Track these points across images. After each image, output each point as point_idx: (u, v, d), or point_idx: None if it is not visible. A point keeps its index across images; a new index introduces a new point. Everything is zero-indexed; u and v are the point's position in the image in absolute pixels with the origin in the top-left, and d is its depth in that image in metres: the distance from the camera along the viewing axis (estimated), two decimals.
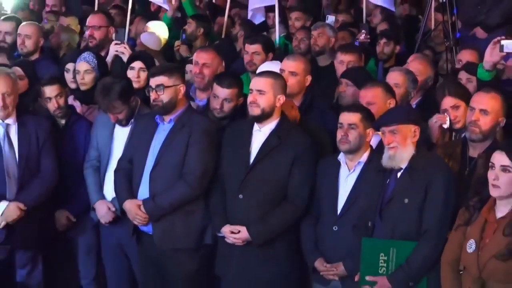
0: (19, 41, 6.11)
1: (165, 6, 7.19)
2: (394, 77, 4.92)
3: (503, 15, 6.14)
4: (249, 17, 7.44)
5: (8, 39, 6.32)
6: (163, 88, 4.51)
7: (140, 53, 5.68)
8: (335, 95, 5.32)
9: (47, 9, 7.94)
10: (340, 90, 5.12)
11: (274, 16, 7.05)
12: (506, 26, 6.01)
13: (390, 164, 3.99)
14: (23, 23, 6.32)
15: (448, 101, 4.50)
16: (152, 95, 4.54)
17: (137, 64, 5.29)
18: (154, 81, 4.56)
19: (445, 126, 4.43)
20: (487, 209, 3.67)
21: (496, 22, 6.06)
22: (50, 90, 4.99)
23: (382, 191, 4.03)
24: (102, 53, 5.88)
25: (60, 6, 8.00)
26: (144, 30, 6.74)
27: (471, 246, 3.65)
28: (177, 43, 6.85)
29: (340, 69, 5.42)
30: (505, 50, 4.37)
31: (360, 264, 4.03)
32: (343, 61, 5.49)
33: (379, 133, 4.19)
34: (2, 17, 6.77)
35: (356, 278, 4.05)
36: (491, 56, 4.47)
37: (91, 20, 6.28)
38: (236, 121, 4.69)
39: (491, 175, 3.60)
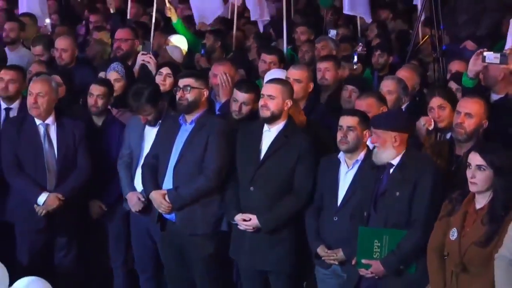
0: (56, 55, 6.11)
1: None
2: (388, 85, 4.92)
3: (489, 28, 6.16)
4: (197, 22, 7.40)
5: (42, 59, 6.25)
6: (190, 88, 4.53)
7: (169, 62, 5.73)
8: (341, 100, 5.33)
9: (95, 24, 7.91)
10: (345, 96, 5.12)
11: (282, 30, 7.10)
12: (491, 39, 6.02)
13: (374, 159, 4.01)
14: (59, 37, 6.32)
15: (435, 101, 4.48)
16: (179, 94, 4.55)
17: (165, 70, 5.35)
18: (182, 82, 4.58)
19: (430, 128, 4.46)
20: (467, 202, 3.68)
21: (484, 34, 6.05)
22: (96, 89, 5.00)
23: (376, 185, 4.02)
24: (129, 62, 5.91)
25: (101, 22, 8.01)
26: (165, 43, 6.78)
27: (453, 234, 3.65)
28: (197, 56, 6.85)
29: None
30: (487, 60, 4.37)
31: (356, 250, 4.02)
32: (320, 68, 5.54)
33: None
34: (33, 38, 6.73)
35: (353, 262, 4.05)
36: (474, 65, 4.48)
37: (119, 34, 6.31)
38: (248, 122, 4.68)
39: (468, 173, 3.61)
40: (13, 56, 6.57)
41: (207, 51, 6.75)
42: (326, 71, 5.51)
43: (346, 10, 7.46)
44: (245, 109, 4.73)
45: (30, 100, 4.76)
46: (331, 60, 5.63)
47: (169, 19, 7.31)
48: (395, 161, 4.01)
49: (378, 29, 7.40)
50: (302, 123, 4.66)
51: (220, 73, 5.19)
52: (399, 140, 3.99)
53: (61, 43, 6.15)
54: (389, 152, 3.99)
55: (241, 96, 4.73)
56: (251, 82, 5.13)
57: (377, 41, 6.87)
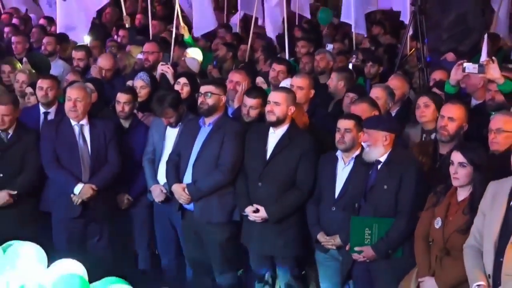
0: (99, 73, 6.02)
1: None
2: (376, 92, 4.90)
3: (472, 45, 6.18)
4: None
5: (81, 64, 6.32)
6: (210, 94, 4.55)
7: (186, 72, 5.73)
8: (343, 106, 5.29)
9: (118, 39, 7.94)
10: (347, 102, 5.07)
11: (284, 44, 7.15)
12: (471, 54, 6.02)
13: (365, 157, 4.02)
14: (102, 56, 6.27)
15: (422, 99, 4.48)
16: (200, 99, 4.57)
17: (182, 80, 5.35)
18: (204, 89, 4.59)
19: None
20: (450, 194, 3.69)
21: (467, 50, 6.07)
22: (122, 97, 5.01)
23: (366, 180, 4.03)
24: (154, 73, 5.92)
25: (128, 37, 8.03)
26: (183, 55, 6.78)
27: (438, 223, 3.66)
28: (209, 67, 6.86)
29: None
30: (467, 70, 4.38)
31: (349, 237, 4.03)
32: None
33: None
34: (76, 46, 6.81)
35: (347, 248, 4.06)
36: (455, 75, 4.47)
37: (146, 47, 6.32)
38: (255, 125, 4.67)
39: (451, 169, 3.62)
40: (52, 65, 6.57)
41: (219, 61, 6.75)
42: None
43: (353, 29, 7.51)
44: (253, 112, 4.73)
45: (69, 104, 4.77)
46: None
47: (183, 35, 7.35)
48: (382, 158, 4.02)
49: (371, 43, 7.42)
50: (306, 124, 4.66)
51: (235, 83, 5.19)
52: (389, 139, 4.00)
53: (105, 63, 6.08)
54: (379, 150, 4.00)
55: (249, 101, 4.73)
56: (259, 88, 5.13)
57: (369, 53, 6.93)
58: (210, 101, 4.55)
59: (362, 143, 4.20)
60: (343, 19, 7.60)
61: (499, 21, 7.68)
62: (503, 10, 7.34)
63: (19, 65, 6.22)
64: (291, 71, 5.82)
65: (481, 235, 3.43)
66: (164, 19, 8.86)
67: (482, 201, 3.47)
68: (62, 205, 4.78)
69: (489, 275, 3.36)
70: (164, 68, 5.87)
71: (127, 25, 8.29)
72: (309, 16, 9.13)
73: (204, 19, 7.89)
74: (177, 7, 7.39)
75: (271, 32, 8.10)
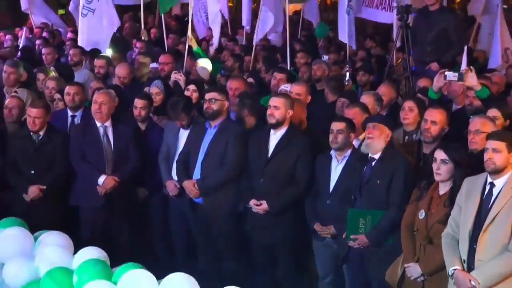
0: (118, 81, 6.02)
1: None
2: (365, 98, 4.89)
3: (453, 56, 6.19)
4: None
5: (102, 71, 6.35)
6: (214, 100, 4.56)
7: (195, 80, 5.74)
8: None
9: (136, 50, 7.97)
10: (339, 106, 5.07)
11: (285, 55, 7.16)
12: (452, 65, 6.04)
13: (366, 150, 4.00)
14: (119, 66, 6.26)
15: (407, 103, 4.48)
16: (206, 104, 4.58)
17: (191, 87, 5.35)
18: (208, 95, 4.60)
19: None
20: (432, 189, 3.69)
21: (449, 61, 6.10)
22: (139, 102, 5.02)
23: (361, 175, 4.04)
24: (169, 81, 5.91)
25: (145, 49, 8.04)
26: (194, 65, 6.79)
27: (422, 214, 3.67)
28: (218, 76, 6.86)
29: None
30: (448, 78, 4.39)
31: (346, 227, 4.04)
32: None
33: (359, 137, 4.24)
34: (98, 55, 6.85)
35: (344, 236, 4.07)
36: (437, 82, 4.48)
37: (162, 58, 6.33)
38: (258, 127, 4.68)
39: (434, 166, 3.62)
40: (77, 74, 6.63)
41: (227, 70, 6.77)
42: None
43: (348, 43, 7.55)
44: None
45: (95, 107, 4.80)
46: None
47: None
48: (376, 156, 4.02)
49: (363, 54, 7.44)
50: (304, 121, 4.66)
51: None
52: (389, 136, 4.03)
53: (122, 72, 6.08)
54: (381, 144, 4.00)
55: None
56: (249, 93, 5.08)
57: (361, 64, 6.94)
58: (214, 106, 4.56)
59: (355, 143, 4.20)
60: (340, 38, 7.61)
61: (482, 37, 7.69)
62: (486, 28, 7.35)
63: (52, 73, 6.25)
64: (291, 79, 5.82)
65: (457, 225, 3.45)
66: (178, 33, 8.88)
67: (458, 195, 3.49)
68: (88, 197, 4.79)
69: (464, 260, 3.40)
70: (177, 76, 5.90)
71: (143, 38, 8.30)
72: (318, 19, 9.03)
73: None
74: (189, 23, 7.40)
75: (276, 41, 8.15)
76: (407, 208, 3.82)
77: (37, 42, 8.24)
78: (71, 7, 9.04)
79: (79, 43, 7.62)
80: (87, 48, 7.36)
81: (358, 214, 4.00)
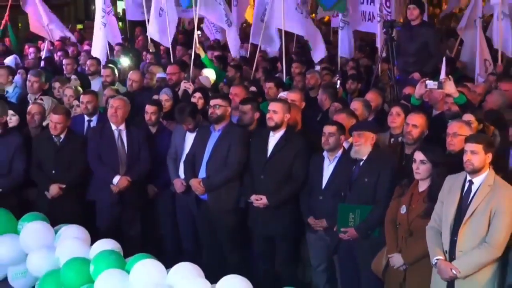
0: (129, 83, 6.06)
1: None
2: (354, 105, 4.90)
3: (433, 66, 6.22)
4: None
5: (108, 79, 6.30)
6: (218, 106, 4.56)
7: (201, 88, 5.75)
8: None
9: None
10: (332, 110, 5.03)
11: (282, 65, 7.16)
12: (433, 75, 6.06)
13: (355, 155, 4.03)
14: (131, 73, 6.29)
15: (395, 109, 4.50)
16: (210, 110, 4.59)
17: (197, 94, 5.33)
18: (213, 102, 4.60)
19: None
20: (413, 186, 3.71)
21: (429, 71, 6.13)
22: (149, 108, 5.02)
23: (350, 174, 4.05)
24: (176, 89, 5.93)
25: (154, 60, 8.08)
26: (199, 74, 6.81)
27: (403, 209, 3.69)
28: (221, 84, 6.86)
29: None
30: (428, 86, 4.42)
31: (337, 220, 4.05)
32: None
33: (348, 140, 4.25)
34: (104, 65, 6.86)
35: (335, 229, 4.08)
36: (419, 90, 4.51)
37: (169, 69, 6.33)
38: (258, 130, 4.68)
39: (414, 166, 3.65)
40: (93, 83, 6.66)
41: (229, 80, 6.79)
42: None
43: (349, 56, 7.62)
44: (245, 117, 4.71)
45: (111, 111, 4.82)
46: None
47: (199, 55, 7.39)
48: (364, 157, 4.03)
49: (353, 64, 7.47)
50: (299, 123, 4.68)
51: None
52: (374, 139, 4.04)
53: (134, 77, 6.14)
54: (367, 148, 4.01)
55: (242, 107, 4.74)
56: (251, 98, 5.06)
57: (350, 72, 6.95)
58: (218, 111, 4.57)
59: (345, 145, 4.21)
60: (341, 54, 7.67)
61: (465, 49, 7.71)
62: (469, 42, 7.37)
63: (68, 82, 6.29)
64: (280, 85, 5.79)
65: (440, 219, 3.48)
66: (185, 45, 8.89)
67: (440, 192, 3.52)
68: (104, 194, 4.80)
69: (446, 251, 3.42)
70: (186, 85, 5.91)
71: (151, 50, 8.35)
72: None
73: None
74: (195, 36, 7.42)
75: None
76: (390, 204, 3.82)
77: (59, 53, 8.29)
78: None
79: (92, 53, 7.71)
80: (95, 55, 7.46)
81: (348, 209, 4.00)
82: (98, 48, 7.92)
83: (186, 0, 7.99)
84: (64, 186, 4.79)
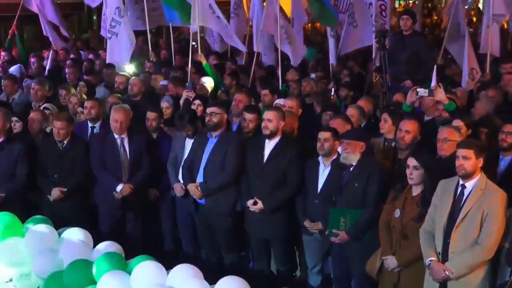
0: (130, 87, 6.12)
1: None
2: (350, 111, 4.90)
3: (424, 74, 6.24)
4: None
5: (121, 86, 6.39)
6: (215, 114, 4.55)
7: (200, 95, 5.74)
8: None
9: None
10: (325, 118, 5.01)
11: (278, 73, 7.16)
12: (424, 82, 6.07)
13: (344, 162, 4.02)
14: (132, 78, 6.33)
15: (384, 115, 4.50)
16: (207, 117, 4.57)
17: (197, 101, 5.33)
18: (209, 109, 4.59)
19: None
20: (407, 191, 3.71)
21: (420, 78, 6.15)
22: (150, 115, 5.03)
23: (341, 179, 4.05)
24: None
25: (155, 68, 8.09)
26: (200, 82, 6.82)
27: (397, 213, 3.69)
28: (219, 92, 6.84)
29: None
30: (419, 94, 4.44)
31: (328, 224, 4.04)
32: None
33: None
34: (119, 74, 6.86)
35: (326, 233, 4.07)
36: (410, 97, 4.53)
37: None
38: (254, 137, 4.66)
39: (407, 171, 3.64)
40: (97, 90, 6.67)
41: (226, 88, 6.78)
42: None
43: (332, 61, 7.67)
44: (251, 125, 4.70)
45: (114, 124, 4.79)
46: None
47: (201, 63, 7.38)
48: (354, 162, 4.02)
49: (347, 72, 7.49)
50: (295, 130, 4.67)
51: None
52: (364, 147, 4.03)
53: (135, 82, 6.21)
54: (356, 155, 4.00)
55: (247, 116, 4.73)
56: (256, 106, 5.09)
57: (344, 80, 6.95)
58: (215, 119, 4.55)
59: (342, 151, 4.18)
60: (331, 61, 7.71)
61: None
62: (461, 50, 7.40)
63: (73, 89, 6.28)
64: (275, 92, 5.79)
65: (433, 222, 3.48)
66: (184, 54, 8.86)
67: (434, 195, 3.52)
68: (107, 199, 4.79)
69: (439, 252, 3.43)
70: (189, 94, 5.90)
71: (152, 59, 8.35)
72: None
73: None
74: (191, 46, 7.40)
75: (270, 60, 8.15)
76: (384, 207, 3.82)
77: (68, 62, 8.24)
78: (102, 32, 9.11)
79: (107, 61, 7.68)
80: (114, 63, 7.45)
81: (338, 213, 3.99)
82: (116, 55, 7.74)
83: (176, 18, 7.93)
84: (65, 189, 4.77)
